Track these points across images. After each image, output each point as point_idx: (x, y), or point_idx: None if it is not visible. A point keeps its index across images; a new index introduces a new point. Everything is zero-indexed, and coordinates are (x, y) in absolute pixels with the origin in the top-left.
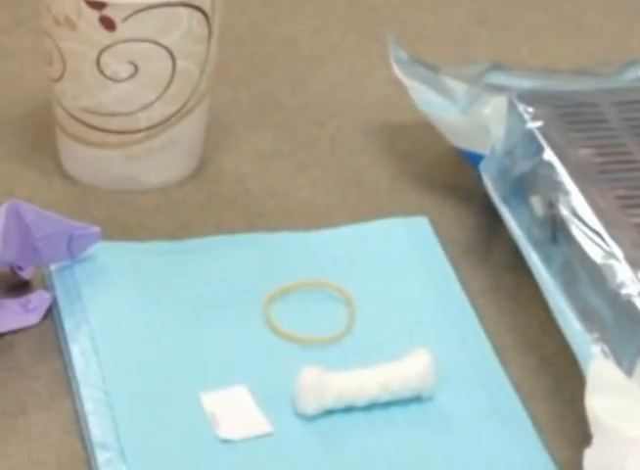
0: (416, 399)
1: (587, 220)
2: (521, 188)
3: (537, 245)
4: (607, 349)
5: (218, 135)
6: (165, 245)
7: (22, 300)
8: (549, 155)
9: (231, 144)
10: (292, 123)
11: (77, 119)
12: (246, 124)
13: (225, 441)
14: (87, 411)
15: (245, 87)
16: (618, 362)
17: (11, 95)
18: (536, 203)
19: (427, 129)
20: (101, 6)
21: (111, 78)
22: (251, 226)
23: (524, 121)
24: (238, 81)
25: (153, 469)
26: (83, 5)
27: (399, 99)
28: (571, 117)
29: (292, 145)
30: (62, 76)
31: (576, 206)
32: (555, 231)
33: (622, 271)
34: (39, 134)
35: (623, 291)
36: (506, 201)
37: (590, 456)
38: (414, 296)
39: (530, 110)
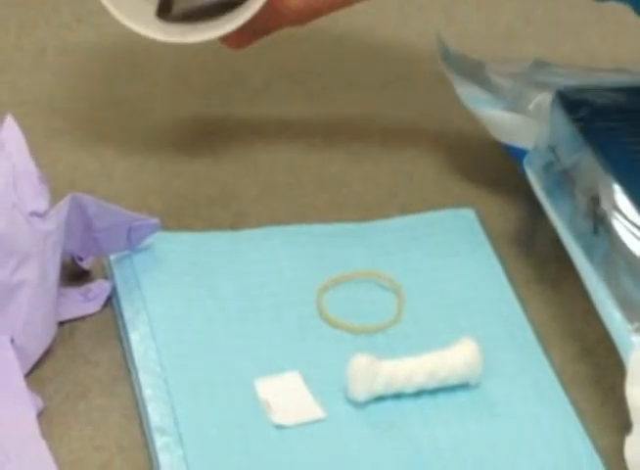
0: (463, 386)
1: (628, 214)
2: (564, 182)
3: (579, 237)
4: None
5: (273, 129)
6: (221, 235)
7: (83, 289)
8: (591, 150)
9: (285, 137)
10: (343, 117)
11: None
12: (299, 118)
13: (279, 426)
14: (146, 397)
15: (298, 83)
16: None
17: (74, 88)
18: (579, 197)
19: (473, 124)
20: None
21: None
22: (303, 218)
23: (567, 118)
24: (292, 77)
25: (209, 453)
26: None
27: (446, 94)
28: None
29: (343, 138)
30: None
31: (618, 200)
32: (597, 224)
33: None
34: (102, 126)
35: None
36: (549, 194)
37: (631, 443)
38: (461, 286)
39: (573, 106)
